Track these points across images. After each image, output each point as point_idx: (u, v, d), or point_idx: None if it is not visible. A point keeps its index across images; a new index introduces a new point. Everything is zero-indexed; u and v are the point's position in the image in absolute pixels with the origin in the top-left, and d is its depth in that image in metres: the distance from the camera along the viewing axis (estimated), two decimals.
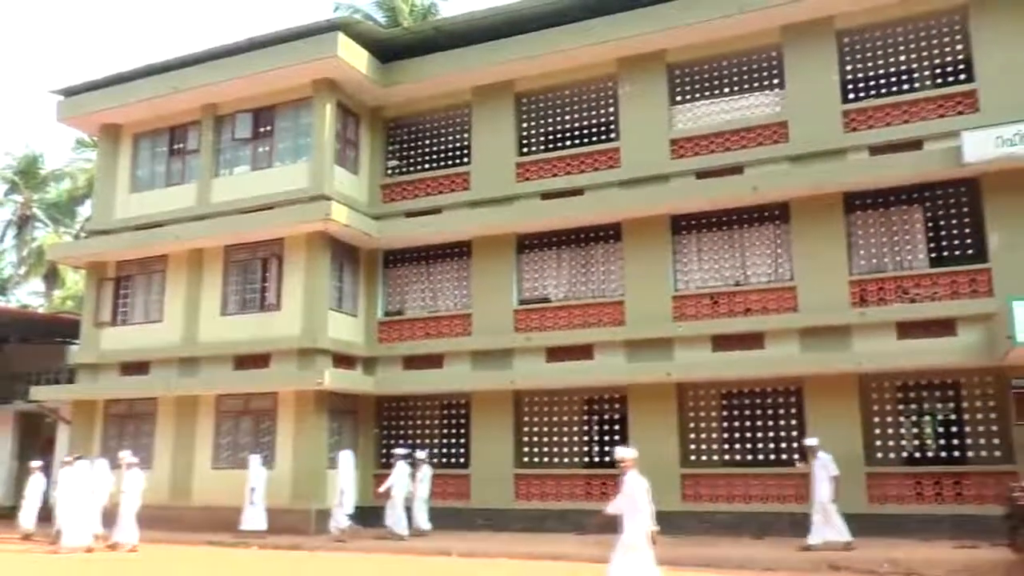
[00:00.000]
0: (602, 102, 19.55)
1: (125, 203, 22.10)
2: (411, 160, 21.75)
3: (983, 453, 15.64)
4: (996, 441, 15.57)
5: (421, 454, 18.21)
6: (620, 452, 10.07)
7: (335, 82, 19.79)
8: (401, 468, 17.43)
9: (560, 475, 18.17)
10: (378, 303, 20.62)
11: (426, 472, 18.02)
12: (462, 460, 19.42)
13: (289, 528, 17.76)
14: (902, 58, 17.55)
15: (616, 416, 18.43)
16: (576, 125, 19.94)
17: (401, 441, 19.73)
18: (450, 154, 21.10)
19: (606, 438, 18.53)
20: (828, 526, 14.37)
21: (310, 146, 19.82)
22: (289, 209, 19.32)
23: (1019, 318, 13.40)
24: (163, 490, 19.76)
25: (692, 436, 17.55)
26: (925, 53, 17.41)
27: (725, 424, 17.58)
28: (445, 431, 20.20)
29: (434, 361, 19.56)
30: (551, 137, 20.51)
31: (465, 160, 20.43)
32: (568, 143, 19.87)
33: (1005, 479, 13.95)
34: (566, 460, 18.47)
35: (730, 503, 16.65)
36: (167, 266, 21.13)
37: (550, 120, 20.36)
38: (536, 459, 18.76)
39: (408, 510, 17.33)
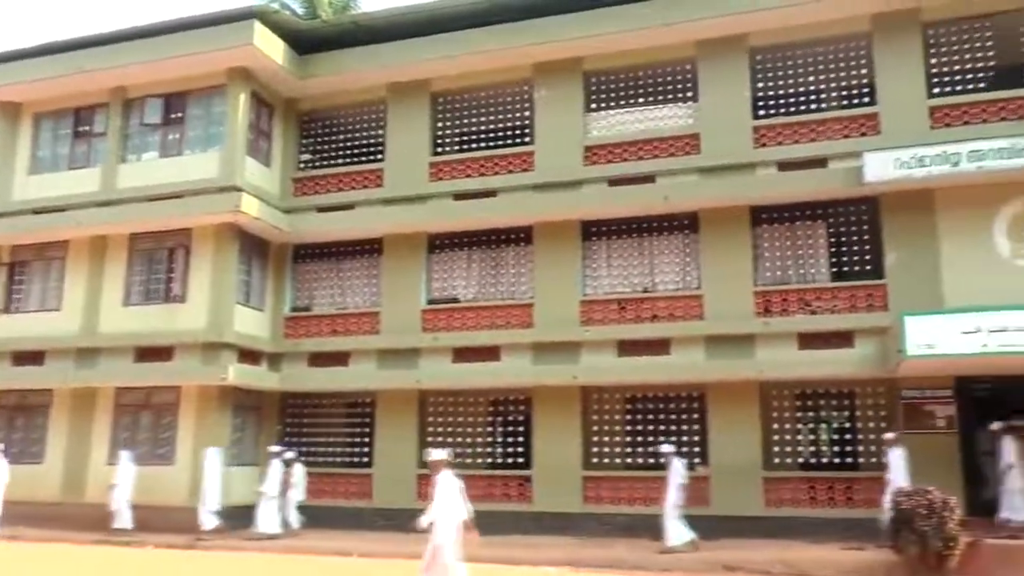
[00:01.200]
0: (518, 106, 19.65)
1: (23, 185, 21.17)
2: (325, 154, 21.42)
3: (873, 460, 16.29)
4: (886, 448, 16.14)
5: (290, 453, 17.91)
6: (432, 454, 10.10)
7: (250, 71, 19.39)
8: (275, 467, 17.20)
9: (463, 476, 18.00)
10: (286, 298, 20.27)
11: (299, 471, 17.79)
12: (365, 460, 19.16)
13: (188, 527, 17.09)
14: (811, 79, 18.12)
15: (521, 418, 18.49)
16: (491, 127, 19.96)
17: (284, 440, 19.36)
18: (364, 150, 20.86)
19: (510, 439, 18.57)
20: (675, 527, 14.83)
21: (222, 135, 19.33)
22: (198, 199, 18.81)
23: (910, 333, 14.12)
24: (54, 486, 19.04)
25: (595, 439, 17.75)
26: (833, 75, 18.03)
27: (628, 428, 17.82)
28: (349, 430, 19.89)
29: (340, 359, 19.32)
30: (466, 138, 20.48)
31: (379, 157, 20.22)
32: (483, 145, 19.86)
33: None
34: (469, 461, 18.45)
35: (630, 505, 16.93)
36: (67, 252, 20.32)
37: (465, 121, 20.33)
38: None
39: (280, 509, 17.15)
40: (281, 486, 17.25)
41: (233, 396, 18.55)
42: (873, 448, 16.37)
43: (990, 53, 17.03)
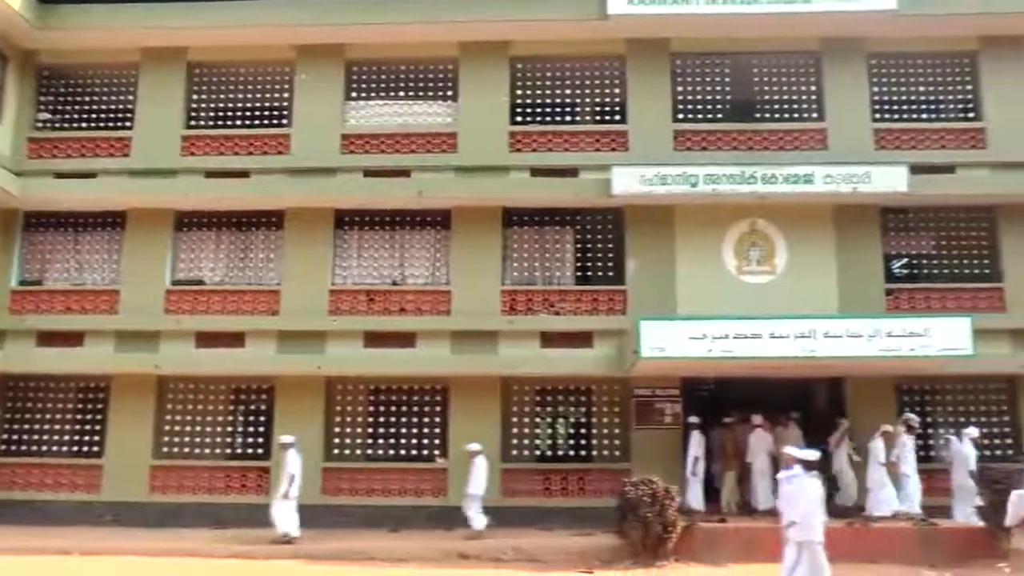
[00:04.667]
0: (278, 87, 18.94)
1: None
2: (67, 115, 19.63)
3: (605, 453, 17.39)
4: (618, 442, 17.38)
5: None
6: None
7: None
8: None
9: (201, 467, 17.48)
10: (13, 270, 18.50)
11: None
12: (96, 449, 17.95)
13: None
14: (568, 92, 18.84)
15: (263, 407, 18.00)
16: (249, 106, 19.11)
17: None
18: (112, 116, 19.35)
19: (251, 429, 18.06)
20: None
21: None
22: None
23: (645, 336, 15.09)
24: None
25: (337, 430, 17.63)
26: (588, 91, 18.85)
27: (371, 419, 17.83)
28: (80, 416, 18.44)
29: (73, 339, 17.87)
30: (222, 114, 19.50)
31: (127, 125, 18.85)
32: (239, 123, 19.04)
33: (621, 475, 15.49)
34: (207, 451, 17.82)
35: (369, 496, 16.98)
36: None
37: (223, 96, 19.29)
38: (176, 449, 17.85)
39: None
40: None
41: None
42: (606, 442, 17.44)
43: (727, 88, 18.49)
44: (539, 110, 18.76)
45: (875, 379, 16.88)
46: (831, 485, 15.47)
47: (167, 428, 17.87)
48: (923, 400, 17.66)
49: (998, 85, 17.94)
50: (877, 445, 15.46)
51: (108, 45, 18.70)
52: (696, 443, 15.93)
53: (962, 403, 17.58)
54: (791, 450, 10.84)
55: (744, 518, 15.37)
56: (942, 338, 15.05)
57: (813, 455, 10.44)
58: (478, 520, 15.27)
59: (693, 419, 16.35)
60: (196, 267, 18.41)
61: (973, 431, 15.68)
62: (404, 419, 17.66)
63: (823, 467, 16.38)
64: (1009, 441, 16.91)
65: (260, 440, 17.78)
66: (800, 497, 9.93)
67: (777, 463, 16.39)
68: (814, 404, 18.13)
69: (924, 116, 18.66)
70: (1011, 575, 12.85)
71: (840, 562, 13.18)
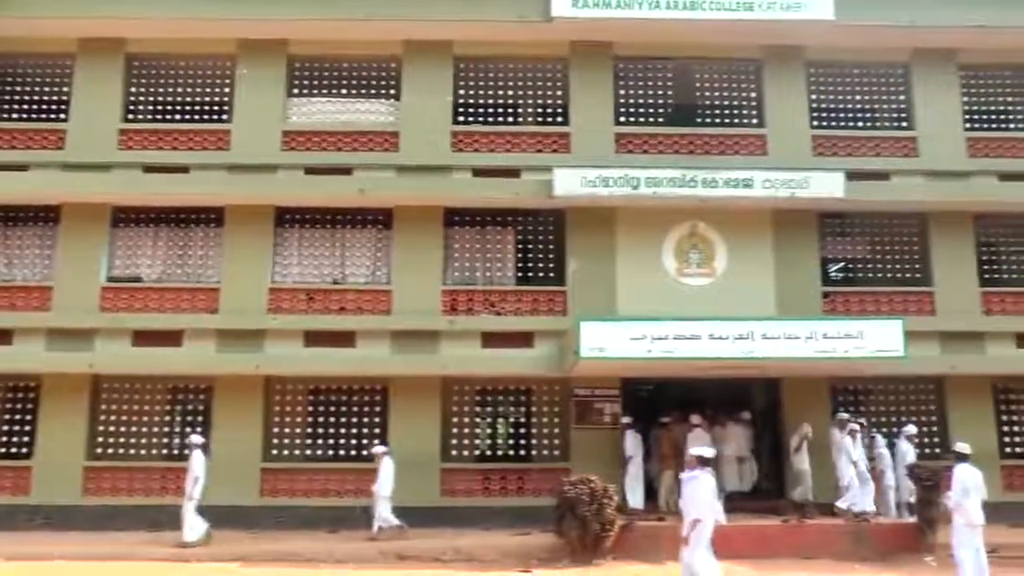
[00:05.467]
0: (219, 81, 18.65)
1: None
2: None
3: (545, 452, 17.46)
4: (557, 442, 17.45)
5: None
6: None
7: None
8: None
9: (136, 468, 17.11)
10: None
11: None
12: (25, 451, 17.43)
13: None
14: (511, 93, 18.89)
15: (201, 407, 17.70)
16: (189, 100, 18.80)
17: None
18: (46, 106, 18.85)
19: (189, 429, 17.62)
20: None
21: None
22: None
23: (585, 337, 15.14)
24: None
25: (276, 431, 17.42)
26: (531, 92, 18.94)
27: (310, 420, 17.66)
28: (8, 416, 17.89)
29: (2, 337, 17.28)
30: (161, 107, 19.14)
31: (62, 116, 18.37)
32: (178, 117, 18.70)
33: (560, 474, 15.53)
34: (144, 452, 17.48)
35: (308, 497, 16.79)
36: None
37: (162, 89, 18.94)
38: (111, 450, 17.45)
39: None
40: None
41: None
42: (546, 442, 17.52)
43: (669, 92, 18.74)
44: (482, 110, 18.79)
45: (811, 379, 17.23)
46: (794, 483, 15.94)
47: (101, 428, 17.46)
48: (856, 400, 18.07)
49: (929, 96, 18.49)
50: (847, 442, 15.74)
51: (44, 34, 18.16)
52: (631, 442, 16.03)
53: (893, 403, 18.08)
54: (695, 450, 10.73)
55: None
56: (875, 340, 15.43)
57: (710, 452, 10.51)
58: (389, 520, 15.22)
59: (626, 419, 16.51)
60: (133, 264, 18.01)
61: (911, 428, 16.18)
62: (344, 419, 17.52)
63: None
64: (937, 440, 17.37)
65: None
66: (699, 494, 9.87)
67: (717, 462, 16.77)
68: (753, 404, 18.40)
69: (860, 124, 19.16)
70: (937, 567, 13.25)
71: (777, 558, 13.67)
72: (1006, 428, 18.02)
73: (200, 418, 17.59)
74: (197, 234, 18.12)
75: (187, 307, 17.37)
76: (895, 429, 16.76)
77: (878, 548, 14.17)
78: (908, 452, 15.88)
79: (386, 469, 15.41)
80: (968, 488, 11.39)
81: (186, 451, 17.11)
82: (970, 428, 16.69)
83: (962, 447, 11.96)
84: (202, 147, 17.83)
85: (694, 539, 9.68)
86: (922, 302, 17.86)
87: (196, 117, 18.68)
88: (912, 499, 15.19)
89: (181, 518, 14.69)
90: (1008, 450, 17.82)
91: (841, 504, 15.19)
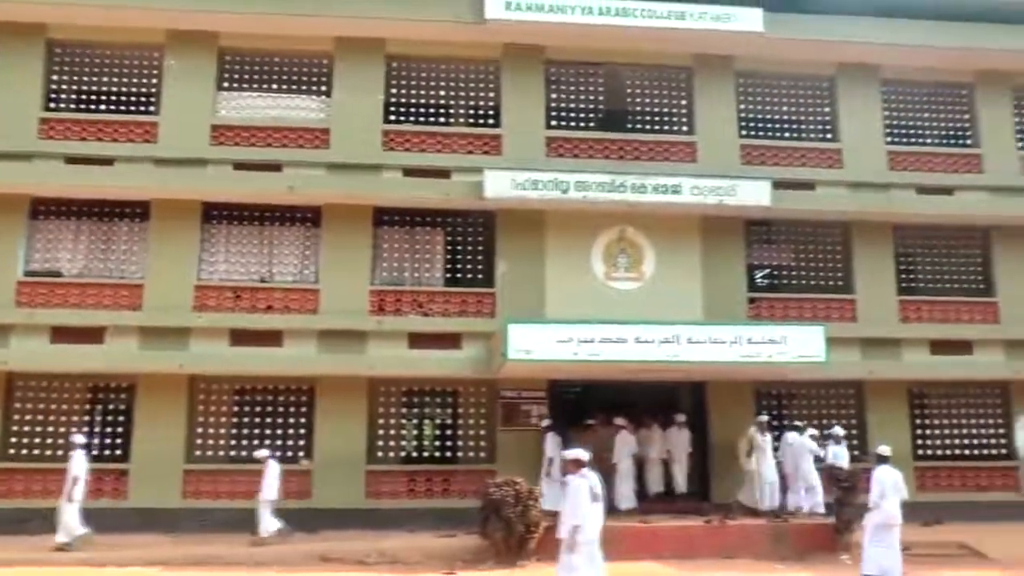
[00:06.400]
0: (146, 71, 18.23)
1: None
2: None
3: (471, 454, 17.49)
4: (483, 444, 17.50)
5: None
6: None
7: None
8: None
9: (53, 470, 16.31)
10: None
11: None
12: None
13: None
14: (443, 93, 18.85)
15: (123, 407, 17.24)
16: (115, 90, 18.33)
17: None
18: None
19: (109, 430, 17.28)
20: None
21: None
22: None
23: (512, 339, 15.17)
24: None
25: (200, 431, 17.09)
26: (463, 93, 18.90)
27: (235, 420, 17.39)
28: None
29: None
30: (85, 97, 18.60)
31: None
32: (103, 107, 18.22)
33: (486, 476, 15.55)
34: (61, 453, 16.89)
35: (232, 500, 16.43)
36: None
37: (86, 78, 18.37)
38: (26, 451, 16.88)
39: None
40: None
41: None
42: (472, 443, 17.55)
43: (600, 97, 18.92)
44: (413, 110, 18.72)
45: (735, 383, 17.60)
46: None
47: (15, 429, 16.88)
48: (779, 404, 18.52)
49: (853, 109, 19.05)
50: (767, 444, 16.15)
51: None
52: (551, 444, 16.04)
53: (815, 406, 18.58)
54: (568, 453, 10.19)
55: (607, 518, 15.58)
56: (798, 345, 15.84)
57: (585, 455, 9.98)
58: (270, 524, 15.04)
59: (546, 421, 16.65)
60: (53, 258, 17.46)
61: (839, 431, 16.58)
62: (269, 420, 17.27)
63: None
64: (855, 442, 17.79)
65: (119, 441, 17.05)
66: (577, 499, 9.47)
67: (642, 464, 16.98)
68: (679, 407, 18.65)
69: (787, 135, 19.61)
70: (851, 565, 13.65)
71: (700, 558, 13.90)
72: (919, 431, 18.70)
73: (121, 418, 17.17)
74: (121, 228, 17.67)
75: (109, 303, 16.92)
76: (824, 431, 17.08)
77: (797, 548, 14.48)
78: (839, 454, 16.19)
79: (271, 473, 15.19)
80: (886, 489, 11.86)
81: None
82: (887, 431, 17.23)
83: (883, 449, 12.52)
84: (128, 139, 17.40)
85: (565, 544, 9.35)
86: (843, 309, 18.37)
87: (122, 108, 18.25)
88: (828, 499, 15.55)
89: (56, 519, 14.27)
90: (921, 452, 18.48)
91: (804, 506, 15.40)
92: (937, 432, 18.90)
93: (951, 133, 20.26)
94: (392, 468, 17.25)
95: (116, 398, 17.44)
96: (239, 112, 17.95)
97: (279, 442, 17.16)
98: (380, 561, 13.87)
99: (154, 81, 18.13)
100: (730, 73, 18.79)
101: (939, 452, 18.75)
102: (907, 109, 19.89)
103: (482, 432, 17.58)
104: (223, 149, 17.38)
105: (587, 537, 9.36)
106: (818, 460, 16.36)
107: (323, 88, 18.28)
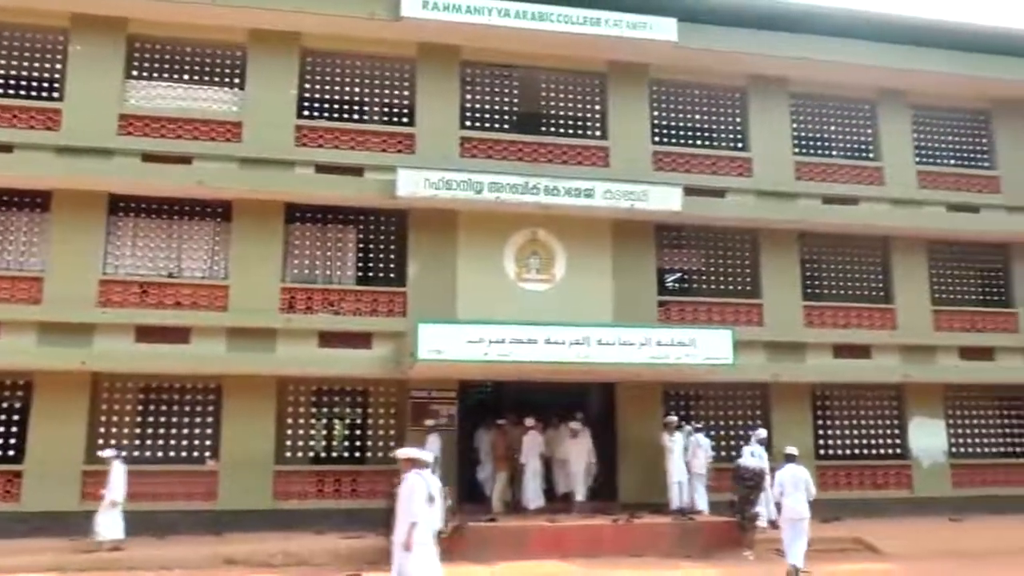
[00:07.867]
0: (48, 56, 17.62)
1: None
2: None
3: (381, 454, 17.35)
4: (393, 444, 17.12)
5: None
6: None
7: None
8: None
9: None
10: None
11: None
12: None
13: None
14: (357, 90, 18.73)
15: (19, 405, 16.55)
16: (14, 73, 17.66)
17: None
18: None
19: (3, 429, 16.52)
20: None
21: None
22: None
23: (423, 339, 15.20)
24: None
25: (103, 431, 16.52)
26: (378, 91, 18.82)
27: (140, 419, 16.90)
28: None
29: None
30: None
31: None
32: (2, 92, 17.53)
33: (395, 476, 15.20)
34: None
35: (135, 502, 15.73)
36: None
37: None
38: None
39: None
40: None
41: None
42: (382, 443, 17.46)
43: (515, 100, 19.08)
44: (327, 106, 18.54)
45: (645, 385, 17.91)
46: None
47: None
48: (687, 405, 18.91)
49: (762, 120, 19.64)
50: (676, 444, 16.49)
51: None
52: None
53: (722, 408, 19.09)
54: (401, 452, 10.02)
55: (514, 517, 15.73)
56: (707, 348, 16.27)
57: (425, 455, 9.93)
58: (113, 529, 14.44)
59: (429, 422, 16.78)
60: None
61: (762, 432, 16.90)
62: (175, 419, 16.86)
63: None
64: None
65: (13, 442, 16.39)
66: (412, 496, 9.24)
67: (549, 464, 17.13)
68: (589, 408, 18.86)
69: (699, 143, 20.14)
70: (753, 561, 14.05)
71: (608, 556, 14.09)
72: (822, 432, 19.37)
73: (17, 417, 16.51)
74: (20, 219, 17.07)
75: (6, 296, 16.24)
76: (742, 432, 17.57)
77: (702, 545, 14.80)
78: (759, 455, 16.40)
79: (116, 474, 14.65)
80: (785, 486, 12.45)
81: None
82: (791, 432, 17.84)
83: (790, 450, 13.14)
84: (28, 125, 16.71)
85: (402, 544, 9.14)
86: (751, 313, 18.90)
87: (22, 93, 17.62)
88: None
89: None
90: (823, 452, 19.14)
91: (759, 509, 15.72)
92: (838, 432, 19.63)
93: (855, 146, 21.05)
94: (301, 468, 17.03)
95: (12, 396, 16.70)
96: (149, 102, 17.47)
97: (185, 442, 16.87)
98: (286, 563, 13.74)
99: (57, 66, 17.55)
100: (644, 80, 19.14)
101: (840, 452, 19.48)
102: (814, 122, 20.62)
103: (391, 432, 17.50)
104: (131, 139, 16.87)
105: (421, 538, 9.13)
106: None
107: (236, 80, 17.98)
